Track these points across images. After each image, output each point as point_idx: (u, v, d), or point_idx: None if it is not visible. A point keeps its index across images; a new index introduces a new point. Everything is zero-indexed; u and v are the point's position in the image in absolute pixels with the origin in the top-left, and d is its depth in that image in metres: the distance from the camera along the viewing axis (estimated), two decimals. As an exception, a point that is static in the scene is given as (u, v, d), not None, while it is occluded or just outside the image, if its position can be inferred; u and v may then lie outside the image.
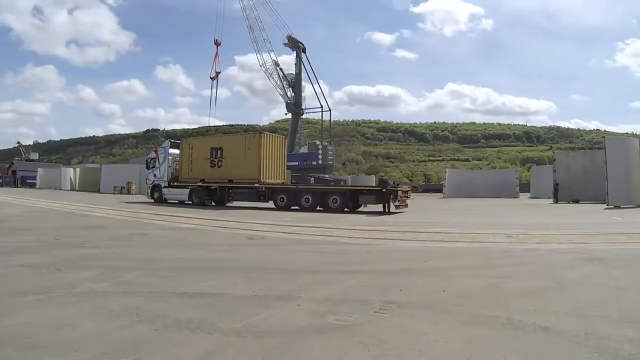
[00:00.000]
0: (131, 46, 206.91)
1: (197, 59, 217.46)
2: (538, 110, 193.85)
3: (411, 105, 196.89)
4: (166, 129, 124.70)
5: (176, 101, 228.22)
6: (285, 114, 44.10)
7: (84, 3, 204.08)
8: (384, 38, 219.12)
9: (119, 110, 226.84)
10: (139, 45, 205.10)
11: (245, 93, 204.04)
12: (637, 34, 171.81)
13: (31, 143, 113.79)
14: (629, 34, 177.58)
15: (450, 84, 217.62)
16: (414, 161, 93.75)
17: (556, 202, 20.87)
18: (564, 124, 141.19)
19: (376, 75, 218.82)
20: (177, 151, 18.78)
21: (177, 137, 23.09)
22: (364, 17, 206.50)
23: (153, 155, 19.83)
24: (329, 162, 36.35)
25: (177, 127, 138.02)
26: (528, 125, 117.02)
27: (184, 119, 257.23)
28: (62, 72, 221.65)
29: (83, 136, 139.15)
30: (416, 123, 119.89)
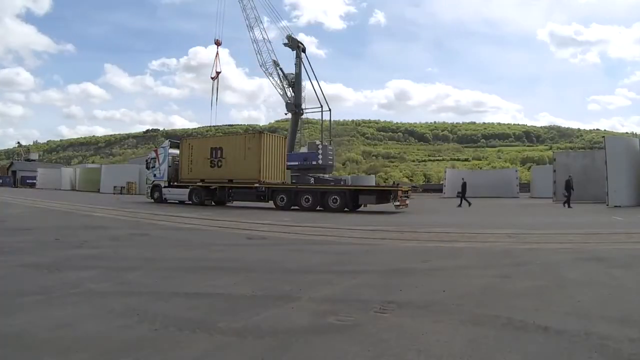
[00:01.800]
0: (74, 53, 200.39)
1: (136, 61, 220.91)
2: (494, 109, 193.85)
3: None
4: (166, 129, 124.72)
5: (136, 103, 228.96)
6: (285, 114, 44.18)
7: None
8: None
9: (81, 111, 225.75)
10: (80, 53, 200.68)
11: (199, 94, 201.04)
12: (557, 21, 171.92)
13: (31, 143, 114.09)
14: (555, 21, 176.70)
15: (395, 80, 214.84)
16: (414, 161, 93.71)
17: (568, 203, 16.38)
18: (532, 123, 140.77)
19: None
20: (177, 151, 18.78)
21: (177, 137, 23.09)
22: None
23: (153, 155, 19.82)
24: (329, 162, 36.31)
25: (148, 127, 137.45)
26: (493, 123, 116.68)
27: (148, 119, 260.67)
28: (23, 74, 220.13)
29: (84, 136, 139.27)
30: (416, 123, 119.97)
